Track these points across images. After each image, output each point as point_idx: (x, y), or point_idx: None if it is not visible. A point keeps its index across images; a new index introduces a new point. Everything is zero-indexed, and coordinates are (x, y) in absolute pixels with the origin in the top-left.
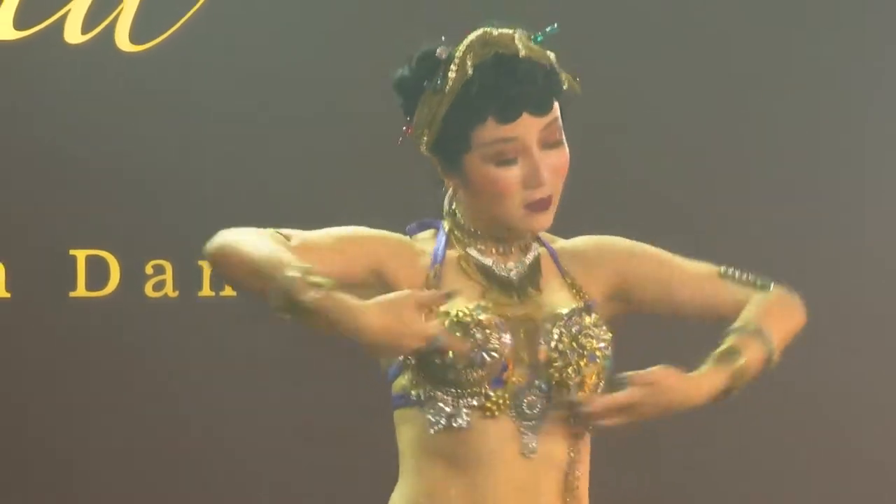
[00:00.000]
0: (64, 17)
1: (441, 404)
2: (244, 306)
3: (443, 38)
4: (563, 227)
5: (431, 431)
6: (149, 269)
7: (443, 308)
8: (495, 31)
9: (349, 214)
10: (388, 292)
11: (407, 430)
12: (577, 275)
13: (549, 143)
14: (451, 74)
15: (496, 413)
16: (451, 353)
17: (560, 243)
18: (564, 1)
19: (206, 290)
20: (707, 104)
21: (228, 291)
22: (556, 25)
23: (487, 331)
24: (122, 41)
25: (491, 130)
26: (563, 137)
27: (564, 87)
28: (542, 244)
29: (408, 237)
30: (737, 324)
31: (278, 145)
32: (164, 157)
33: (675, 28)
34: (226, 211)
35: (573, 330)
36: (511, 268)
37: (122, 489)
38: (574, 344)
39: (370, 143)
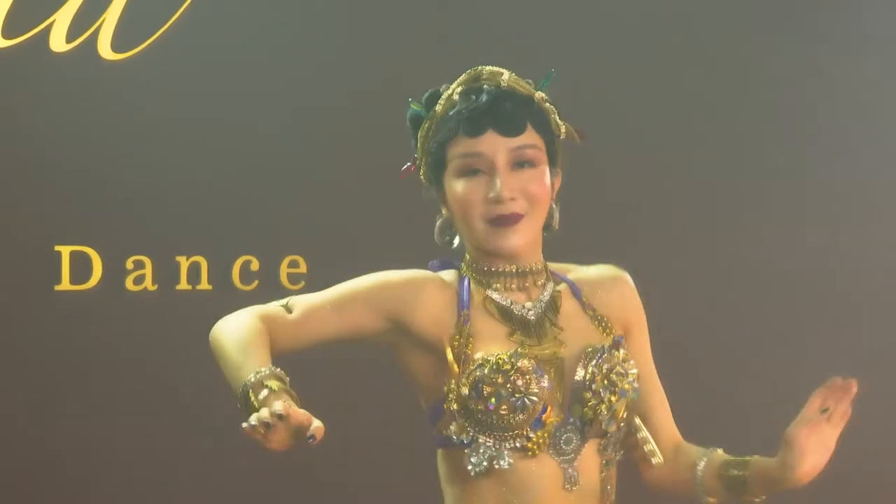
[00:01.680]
0: (49, 27)
1: (483, 448)
2: (218, 300)
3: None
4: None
5: (472, 474)
6: (129, 265)
7: (479, 354)
8: (487, 68)
9: (326, 217)
10: (415, 338)
11: (450, 469)
12: (598, 306)
13: (520, 164)
14: (441, 102)
15: (536, 452)
16: (492, 401)
17: (576, 273)
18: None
19: (184, 284)
20: (699, 107)
21: (204, 285)
22: (552, 71)
23: (527, 376)
24: (105, 50)
25: (460, 145)
26: (543, 165)
27: (553, 122)
28: (560, 279)
29: (429, 277)
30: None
31: (255, 149)
32: (145, 160)
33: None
34: (203, 211)
35: (604, 368)
36: (529, 307)
37: (104, 475)
38: (605, 381)
39: (351, 150)
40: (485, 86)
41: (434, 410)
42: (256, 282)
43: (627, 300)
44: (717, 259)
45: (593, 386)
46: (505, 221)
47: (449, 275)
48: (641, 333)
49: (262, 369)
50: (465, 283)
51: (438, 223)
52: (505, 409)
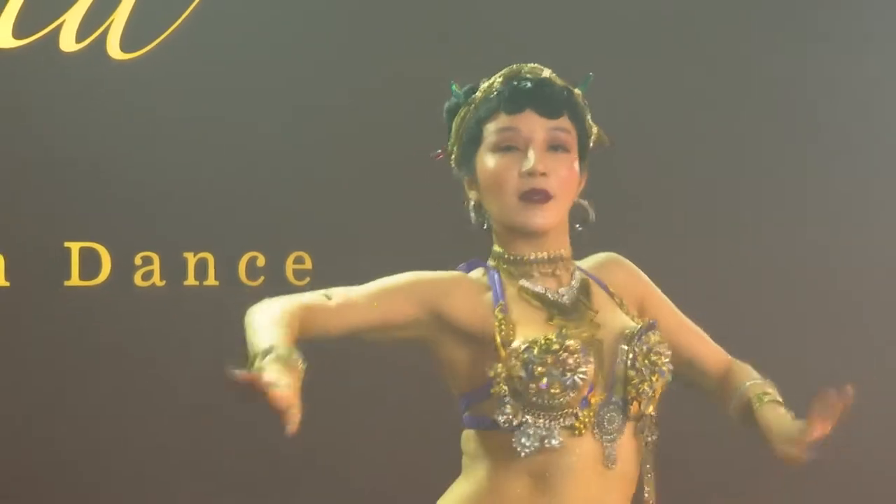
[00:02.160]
0: (59, 27)
1: (534, 428)
2: (225, 295)
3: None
4: None
5: (523, 454)
6: (137, 261)
7: (525, 337)
8: (529, 65)
9: (331, 214)
10: (454, 329)
11: (485, 449)
12: (614, 290)
13: (555, 146)
14: (481, 90)
15: (583, 431)
16: (544, 380)
17: (586, 265)
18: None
19: (191, 280)
20: (695, 108)
21: (211, 281)
22: (591, 75)
23: (576, 355)
24: (114, 49)
25: (499, 121)
26: (574, 153)
27: (587, 119)
28: (582, 272)
29: (462, 274)
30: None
31: (261, 147)
32: (152, 158)
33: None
34: (209, 208)
35: (644, 348)
36: (563, 293)
37: (111, 467)
38: (647, 361)
39: (355, 148)
40: (526, 74)
41: (473, 396)
42: (262, 278)
43: (631, 277)
44: (718, 256)
45: (636, 365)
46: (537, 196)
47: (477, 273)
48: (656, 297)
49: (279, 343)
50: (496, 277)
51: (471, 206)
52: (557, 388)
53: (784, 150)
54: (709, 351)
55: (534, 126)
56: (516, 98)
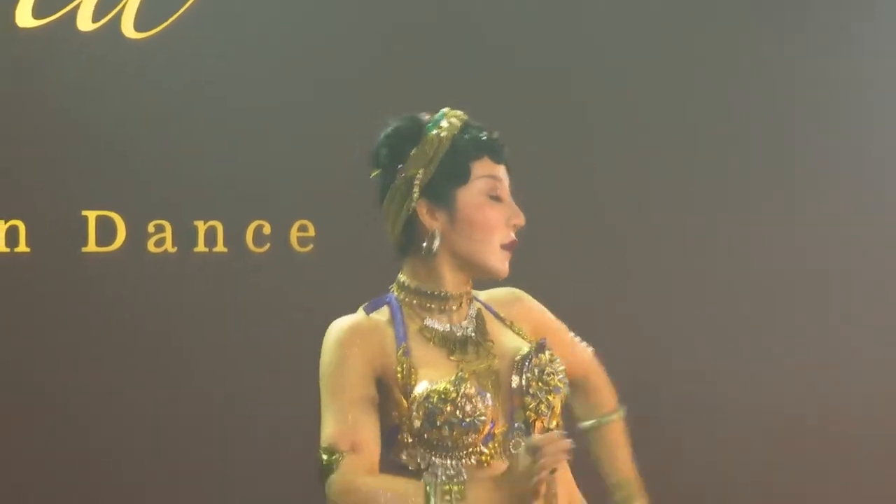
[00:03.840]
0: (76, 8)
1: (441, 469)
2: (233, 261)
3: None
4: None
5: (427, 486)
6: (151, 228)
7: (423, 386)
8: (453, 111)
9: (333, 184)
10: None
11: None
12: (511, 318)
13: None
14: (445, 125)
15: (490, 462)
16: (445, 429)
17: (483, 296)
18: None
19: (201, 247)
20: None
21: (220, 248)
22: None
23: (473, 400)
24: (128, 29)
25: (486, 166)
26: None
27: None
28: (478, 301)
29: (368, 320)
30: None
31: (268, 120)
32: (165, 131)
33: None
34: (219, 178)
35: (536, 371)
36: (466, 325)
37: (123, 426)
38: (540, 383)
39: (359, 120)
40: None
41: (388, 436)
42: (268, 244)
43: (529, 311)
44: (716, 255)
45: (530, 390)
46: (511, 247)
47: (381, 314)
48: (554, 325)
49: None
50: (399, 317)
51: (433, 235)
52: (457, 433)
53: (776, 144)
54: (584, 358)
55: (505, 178)
56: (498, 150)
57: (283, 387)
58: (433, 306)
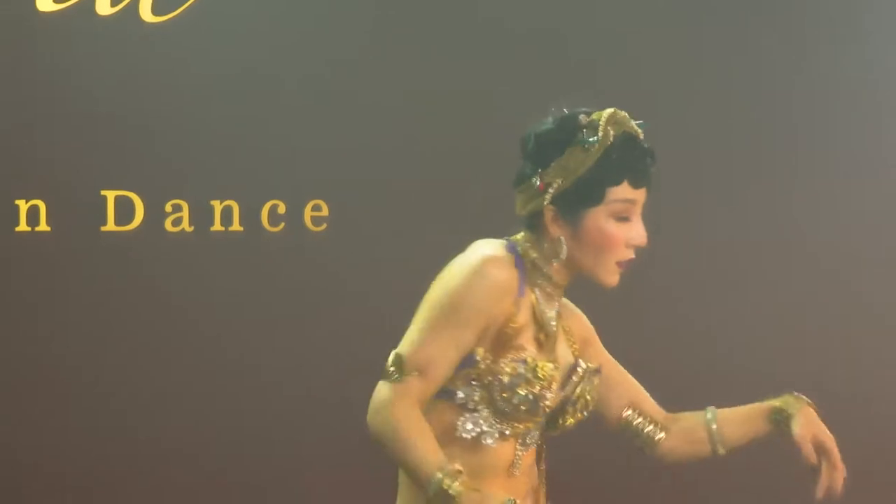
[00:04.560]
0: None
1: (482, 420)
2: (249, 240)
3: (553, 109)
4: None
5: (457, 434)
6: (168, 208)
7: (526, 354)
8: (621, 112)
9: (346, 164)
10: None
11: (434, 420)
12: (569, 327)
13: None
14: (599, 137)
15: (510, 439)
16: (517, 398)
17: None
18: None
19: (217, 226)
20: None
21: (236, 227)
22: (643, 122)
23: (553, 387)
24: (146, 13)
25: (623, 191)
26: None
27: None
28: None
29: (511, 263)
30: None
31: (283, 101)
32: (182, 113)
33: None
34: (235, 159)
35: (586, 388)
36: (552, 317)
37: (140, 396)
38: (584, 402)
39: (372, 101)
40: (635, 138)
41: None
42: (283, 224)
43: (585, 324)
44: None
45: (578, 404)
46: (626, 265)
47: (510, 259)
48: (596, 339)
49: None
50: (522, 273)
51: (561, 242)
52: (524, 407)
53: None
54: (648, 400)
55: (641, 199)
56: (641, 175)
57: (297, 362)
58: (543, 283)
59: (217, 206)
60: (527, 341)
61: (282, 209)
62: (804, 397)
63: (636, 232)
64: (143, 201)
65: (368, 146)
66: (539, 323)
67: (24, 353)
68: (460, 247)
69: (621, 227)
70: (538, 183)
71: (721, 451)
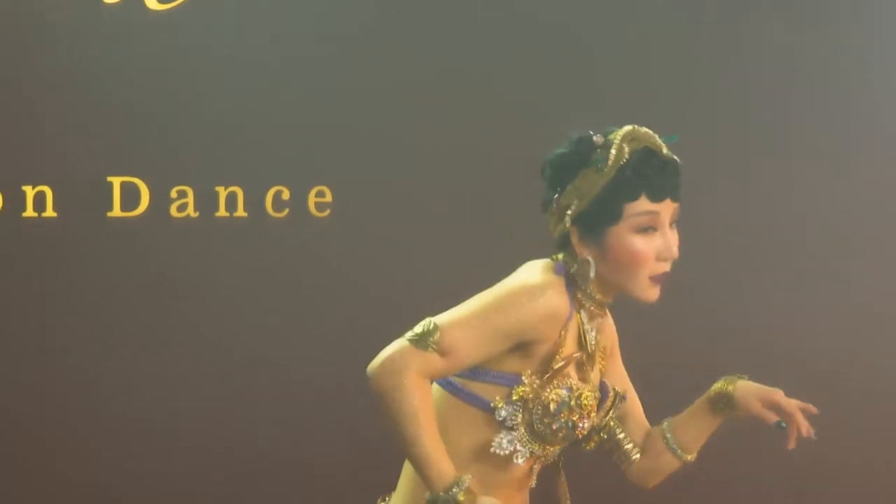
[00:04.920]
0: None
1: (518, 440)
2: (253, 225)
3: (605, 129)
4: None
5: (492, 451)
6: (173, 194)
7: (571, 381)
8: (642, 129)
9: (350, 151)
10: (527, 350)
11: (465, 424)
12: (602, 342)
13: (672, 223)
14: (612, 156)
15: (537, 456)
16: (557, 425)
17: None
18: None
19: (222, 211)
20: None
21: (240, 213)
22: (676, 136)
23: (591, 418)
24: (151, 1)
25: (641, 205)
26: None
27: None
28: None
29: (560, 287)
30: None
31: (287, 88)
32: (187, 99)
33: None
34: (239, 145)
35: (610, 413)
36: (593, 338)
37: (149, 380)
38: (608, 426)
39: (375, 88)
40: (654, 151)
41: (490, 375)
42: (287, 210)
43: (613, 332)
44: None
45: (603, 431)
46: (662, 279)
47: (560, 284)
48: (618, 352)
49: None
50: (571, 296)
51: (580, 267)
52: (562, 434)
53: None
54: (639, 413)
55: (667, 210)
56: (660, 187)
57: (301, 346)
58: (588, 303)
59: (222, 192)
60: (571, 367)
61: (286, 195)
62: (735, 375)
63: (664, 244)
64: (148, 187)
65: (372, 133)
66: (582, 345)
67: (30, 338)
68: (463, 233)
69: (648, 241)
70: (554, 207)
71: (687, 457)
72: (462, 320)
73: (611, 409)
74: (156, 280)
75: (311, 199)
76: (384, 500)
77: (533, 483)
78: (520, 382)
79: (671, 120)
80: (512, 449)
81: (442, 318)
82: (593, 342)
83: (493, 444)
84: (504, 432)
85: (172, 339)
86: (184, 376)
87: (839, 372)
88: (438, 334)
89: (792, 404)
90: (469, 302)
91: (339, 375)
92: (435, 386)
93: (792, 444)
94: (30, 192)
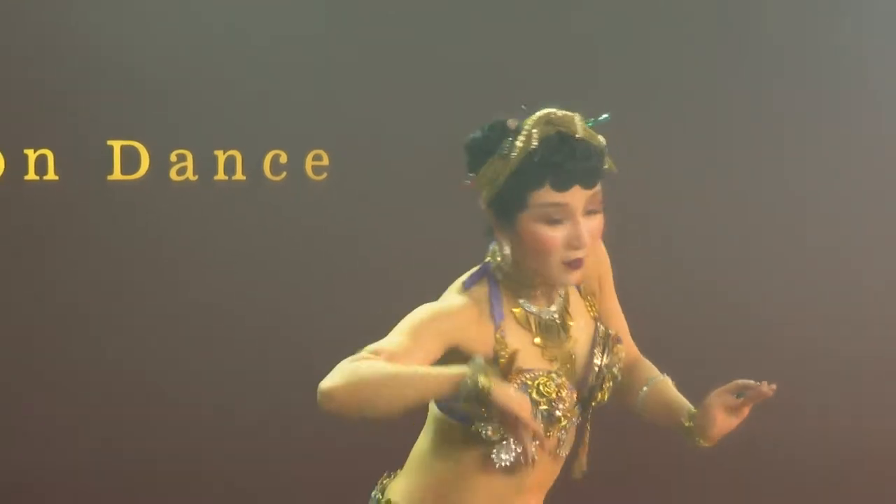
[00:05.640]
0: None
1: (513, 446)
2: (251, 189)
3: (524, 107)
4: None
5: (497, 466)
6: (173, 157)
7: (526, 375)
8: (559, 112)
9: (347, 115)
10: (462, 355)
11: (452, 447)
12: (585, 287)
13: (589, 211)
14: (519, 143)
15: (552, 436)
16: (545, 416)
17: None
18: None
19: (221, 175)
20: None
21: (239, 176)
22: (608, 115)
23: (566, 399)
24: None
25: (546, 195)
26: (601, 207)
27: (606, 166)
28: None
29: (468, 299)
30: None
31: (285, 53)
32: (186, 64)
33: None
34: (238, 109)
35: (608, 361)
36: (554, 310)
37: (149, 339)
38: (609, 373)
39: (373, 55)
40: (566, 137)
41: (460, 409)
42: (285, 173)
43: (598, 259)
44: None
45: (607, 376)
46: (577, 264)
47: (480, 289)
48: (609, 276)
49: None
50: (497, 294)
51: (499, 250)
52: (543, 424)
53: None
54: (628, 340)
55: (578, 198)
56: (565, 176)
57: (298, 308)
58: (528, 292)
59: (221, 155)
60: (525, 360)
61: (284, 159)
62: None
63: (573, 234)
64: (148, 151)
65: (369, 97)
66: (535, 327)
67: (29, 300)
68: (459, 196)
69: (557, 230)
70: (472, 186)
71: (643, 416)
72: (389, 337)
73: (604, 350)
74: (155, 242)
75: (309, 162)
76: (388, 476)
77: (563, 452)
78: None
79: (669, 119)
80: (514, 454)
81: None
82: (555, 314)
83: (493, 459)
84: (497, 447)
85: (171, 300)
86: (181, 337)
87: (838, 372)
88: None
89: (738, 385)
90: (398, 326)
91: (336, 335)
92: (433, 409)
93: (758, 399)
94: (31, 155)
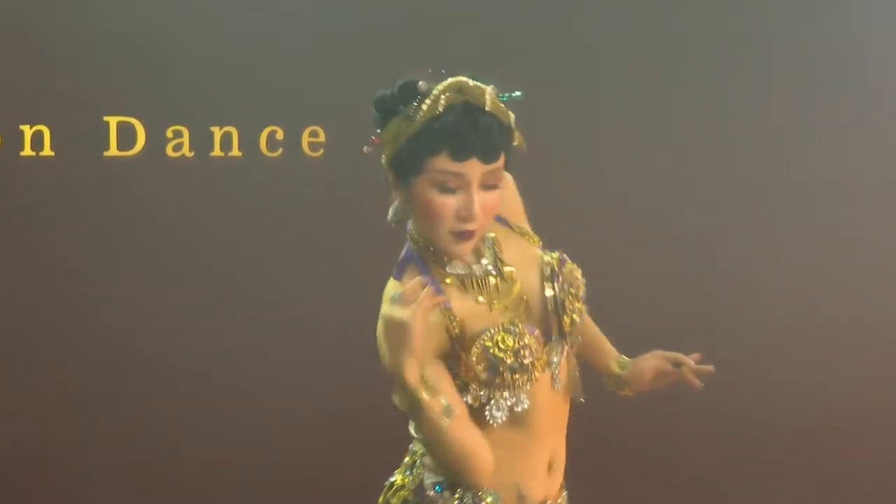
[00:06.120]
0: None
1: (502, 401)
2: (247, 165)
3: (443, 71)
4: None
5: (494, 424)
6: (169, 134)
7: (483, 339)
8: (471, 82)
9: (343, 91)
10: (455, 339)
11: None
12: (514, 216)
13: (486, 186)
14: (425, 107)
15: (538, 377)
16: (507, 374)
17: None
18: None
19: (217, 151)
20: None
21: (235, 152)
22: (521, 93)
23: (530, 344)
24: None
25: (442, 162)
26: (500, 184)
27: (514, 143)
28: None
29: (415, 309)
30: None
31: (283, 29)
32: (182, 40)
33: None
34: (235, 85)
35: (565, 286)
36: (486, 262)
37: (143, 325)
38: (569, 296)
39: (370, 31)
40: (472, 108)
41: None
42: (281, 149)
43: (510, 190)
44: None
45: (566, 306)
46: (466, 236)
47: (411, 273)
48: (522, 216)
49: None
50: (427, 272)
51: (395, 207)
52: (518, 375)
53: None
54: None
55: (474, 171)
56: (463, 146)
57: (294, 284)
58: (441, 257)
59: (217, 132)
60: (476, 321)
61: (280, 135)
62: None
63: (462, 204)
64: (144, 127)
65: (365, 73)
66: (473, 286)
67: (26, 277)
68: None
69: (449, 199)
70: (367, 149)
71: (621, 373)
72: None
73: (553, 278)
74: (151, 219)
75: (305, 139)
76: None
77: (560, 386)
78: (455, 375)
79: (669, 119)
80: (506, 408)
81: (400, 373)
82: (490, 267)
83: (487, 418)
84: (488, 408)
85: (168, 277)
86: (177, 314)
87: (838, 371)
88: (448, 409)
89: (678, 358)
90: (389, 360)
91: (333, 312)
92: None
93: (691, 377)
94: (28, 131)
